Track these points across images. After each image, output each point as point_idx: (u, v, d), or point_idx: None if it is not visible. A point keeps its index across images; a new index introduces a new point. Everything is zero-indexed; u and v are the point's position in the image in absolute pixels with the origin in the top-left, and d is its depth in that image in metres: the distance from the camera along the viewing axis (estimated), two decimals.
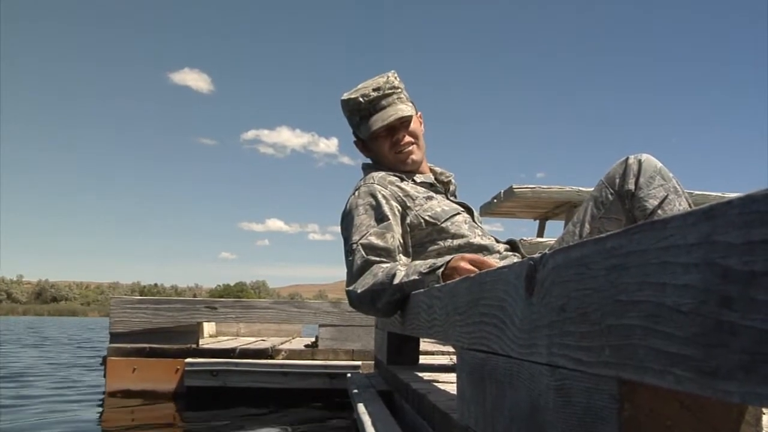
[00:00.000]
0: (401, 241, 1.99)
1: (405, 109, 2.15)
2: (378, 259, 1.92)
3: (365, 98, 2.15)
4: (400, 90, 2.19)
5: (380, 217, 1.99)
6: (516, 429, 0.75)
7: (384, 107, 2.14)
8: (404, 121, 2.16)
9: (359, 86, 2.18)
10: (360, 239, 1.95)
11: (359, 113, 2.17)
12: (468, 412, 0.99)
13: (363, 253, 1.93)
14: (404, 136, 2.16)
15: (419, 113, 2.28)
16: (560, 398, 0.62)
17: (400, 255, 1.96)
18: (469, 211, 2.18)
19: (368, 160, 2.31)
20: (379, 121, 2.13)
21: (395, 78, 2.19)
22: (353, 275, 1.94)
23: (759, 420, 0.53)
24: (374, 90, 2.15)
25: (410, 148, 2.17)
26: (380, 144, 2.19)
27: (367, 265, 1.91)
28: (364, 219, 2.00)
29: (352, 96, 2.17)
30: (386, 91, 2.15)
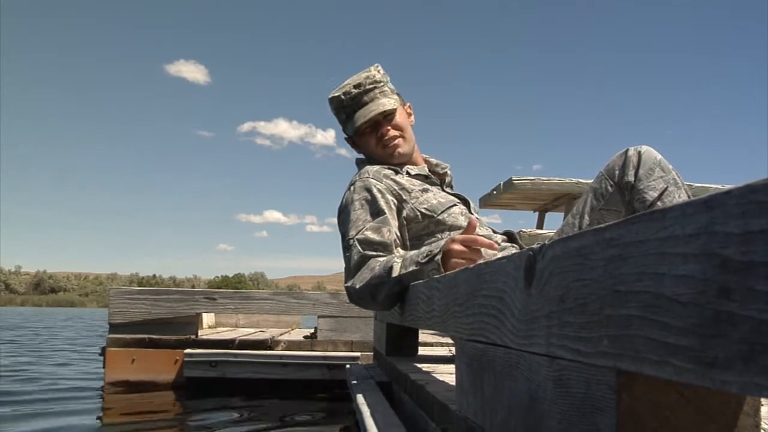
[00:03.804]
0: (398, 234, 1.99)
1: (387, 102, 2.14)
2: (374, 253, 1.91)
3: (347, 96, 2.14)
4: (382, 84, 2.17)
5: (376, 212, 1.99)
6: (514, 419, 0.75)
7: (366, 103, 2.14)
8: (387, 115, 2.15)
9: (343, 83, 2.18)
10: (356, 234, 1.95)
11: (344, 111, 2.18)
12: (467, 403, 0.99)
13: (359, 248, 1.92)
14: (388, 130, 2.15)
15: (407, 104, 2.27)
16: (558, 389, 0.62)
17: (397, 249, 1.96)
18: (466, 202, 2.18)
19: (361, 155, 2.31)
20: (361, 117, 2.13)
21: (377, 72, 2.18)
22: (351, 271, 1.94)
23: (757, 410, 0.53)
24: (355, 87, 2.14)
25: (396, 141, 2.16)
26: (367, 140, 2.18)
27: (363, 260, 1.91)
28: (360, 214, 2.00)
29: (335, 94, 2.17)
30: (367, 87, 2.14)
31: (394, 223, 1.99)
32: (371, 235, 1.93)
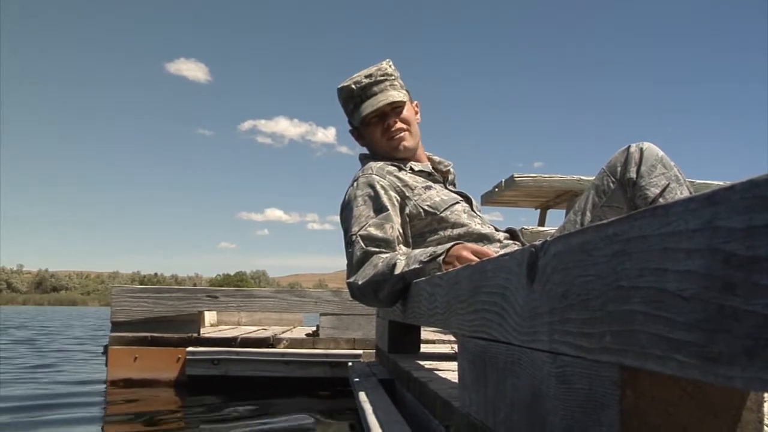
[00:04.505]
0: (400, 231, 1.99)
1: (396, 95, 2.15)
2: (377, 249, 1.91)
3: (357, 85, 2.16)
4: (393, 77, 2.18)
5: (379, 208, 1.99)
6: (517, 416, 0.75)
7: (375, 93, 2.15)
8: (396, 107, 2.16)
9: (353, 75, 2.19)
10: (359, 230, 1.95)
11: (352, 101, 2.18)
12: (469, 400, 0.99)
13: (362, 244, 1.92)
14: (395, 122, 2.16)
15: (415, 102, 2.28)
16: (561, 385, 0.62)
17: (400, 245, 1.96)
18: (468, 200, 2.18)
19: (365, 150, 2.31)
20: (369, 106, 2.14)
21: (389, 66, 2.20)
22: (353, 267, 1.94)
23: (761, 406, 0.53)
24: (366, 77, 2.15)
25: (402, 134, 2.17)
26: (372, 130, 2.19)
27: (366, 256, 1.91)
28: (362, 210, 2.00)
29: (345, 84, 2.18)
30: (378, 78, 2.15)
31: (397, 220, 1.99)
32: (374, 231, 1.93)
